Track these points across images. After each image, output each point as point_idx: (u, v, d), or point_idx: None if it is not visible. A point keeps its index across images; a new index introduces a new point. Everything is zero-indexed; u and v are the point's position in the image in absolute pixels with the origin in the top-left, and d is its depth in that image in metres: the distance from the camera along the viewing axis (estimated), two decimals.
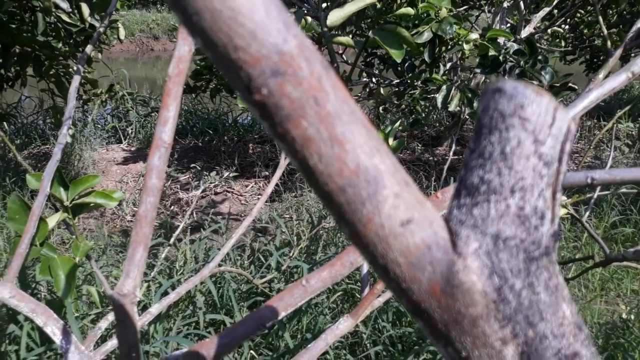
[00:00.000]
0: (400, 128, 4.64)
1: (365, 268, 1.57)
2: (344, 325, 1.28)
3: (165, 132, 0.65)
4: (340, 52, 4.31)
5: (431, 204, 0.29)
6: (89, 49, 1.73)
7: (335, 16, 1.46)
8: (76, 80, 1.65)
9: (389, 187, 0.27)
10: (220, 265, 1.88)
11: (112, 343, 1.23)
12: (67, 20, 3.22)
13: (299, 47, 0.25)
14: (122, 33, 3.97)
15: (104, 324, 1.35)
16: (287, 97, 0.25)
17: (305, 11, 2.02)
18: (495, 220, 0.27)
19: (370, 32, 1.47)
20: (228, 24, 0.25)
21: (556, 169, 0.28)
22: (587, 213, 1.35)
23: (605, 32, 1.17)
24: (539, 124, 0.27)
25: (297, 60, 0.25)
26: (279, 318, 0.59)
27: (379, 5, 2.56)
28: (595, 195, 1.36)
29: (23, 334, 1.61)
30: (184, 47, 0.64)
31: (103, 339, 1.70)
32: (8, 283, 1.14)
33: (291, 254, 2.07)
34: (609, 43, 1.21)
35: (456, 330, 0.26)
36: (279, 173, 1.63)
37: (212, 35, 0.25)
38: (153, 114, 5.97)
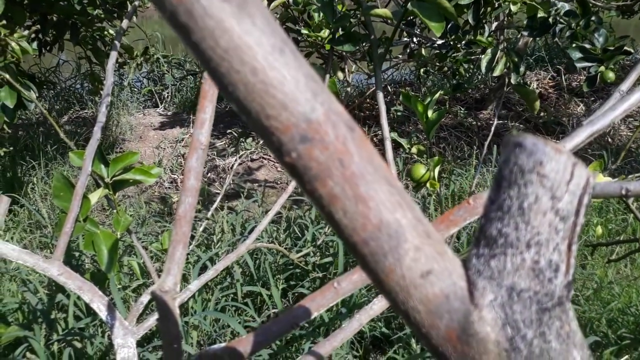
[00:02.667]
0: (441, 92, 4.57)
1: None
2: (378, 305, 1.32)
3: (202, 134, 0.68)
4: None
5: (452, 254, 0.31)
6: (125, 23, 1.77)
7: None
8: (113, 56, 1.70)
9: (410, 240, 0.29)
10: (256, 240, 1.94)
11: (153, 319, 1.31)
12: None
13: (326, 114, 0.28)
14: None
15: (145, 298, 1.44)
16: (314, 160, 0.28)
17: None
18: (511, 273, 0.29)
19: (409, 3, 1.46)
20: (260, 95, 0.27)
21: (572, 222, 0.30)
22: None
23: None
24: (557, 181, 0.29)
25: (323, 127, 0.28)
26: (311, 317, 0.63)
27: None
28: None
29: (70, 303, 1.72)
30: None
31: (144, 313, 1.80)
32: (56, 261, 1.23)
33: (327, 228, 2.12)
34: None
35: None
36: None
37: (246, 105, 0.28)
38: (188, 77, 6.05)
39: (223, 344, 0.64)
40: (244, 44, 0.27)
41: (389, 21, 4.39)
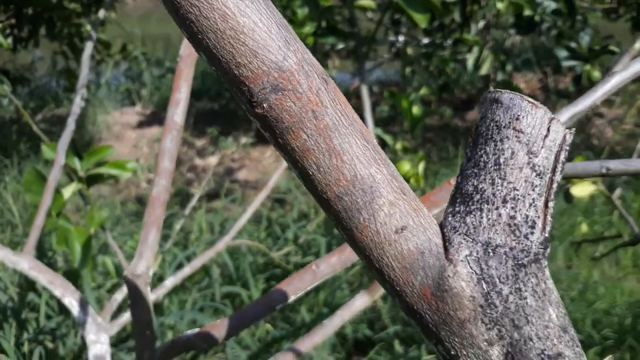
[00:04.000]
0: (427, 92, 4.59)
1: None
2: (360, 301, 1.32)
3: (177, 114, 0.68)
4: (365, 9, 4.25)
5: (427, 211, 0.31)
6: (102, 13, 1.76)
7: None
8: (89, 46, 1.68)
9: (384, 195, 0.29)
10: (236, 239, 1.93)
11: (128, 315, 1.30)
12: None
13: (299, 63, 0.28)
14: None
15: (119, 296, 1.42)
16: (286, 111, 0.28)
17: None
18: (487, 229, 0.29)
19: None
20: (231, 42, 0.27)
21: (549, 179, 0.30)
22: (619, 189, 1.35)
23: None
24: (533, 136, 0.29)
25: (296, 76, 0.28)
26: (289, 301, 0.63)
27: None
28: None
29: (42, 302, 1.70)
30: None
31: (119, 311, 1.78)
32: (27, 255, 1.21)
33: (309, 227, 2.12)
34: None
35: (445, 331, 0.29)
36: None
37: (216, 53, 0.27)
38: (168, 75, 6.01)
39: (197, 329, 0.64)
40: None
41: (374, 19, 4.40)
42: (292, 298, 0.63)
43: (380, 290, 1.43)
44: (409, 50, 4.42)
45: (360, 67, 1.69)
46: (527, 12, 2.81)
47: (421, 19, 1.44)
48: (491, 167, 0.30)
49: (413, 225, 0.30)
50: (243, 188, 3.67)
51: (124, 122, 5.17)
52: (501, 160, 0.29)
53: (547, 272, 0.31)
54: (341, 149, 0.29)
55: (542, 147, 0.29)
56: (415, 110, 2.04)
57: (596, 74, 2.61)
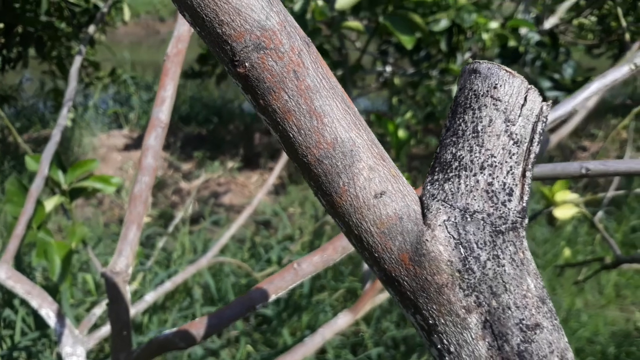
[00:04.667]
0: (413, 121, 4.64)
1: None
2: (343, 320, 1.30)
3: (162, 111, 0.68)
4: (354, 39, 4.32)
5: (406, 181, 0.31)
6: (92, 28, 1.76)
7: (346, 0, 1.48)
8: (78, 60, 1.68)
9: (364, 160, 0.29)
10: (218, 257, 1.91)
11: (106, 329, 1.27)
12: (71, 0, 3.26)
13: (281, 23, 0.28)
14: (126, 14, 4.01)
15: (98, 310, 1.39)
16: (268, 71, 0.28)
17: None
18: (465, 195, 0.29)
19: (381, 17, 1.50)
20: (214, 0, 0.27)
21: (527, 148, 0.30)
22: (601, 212, 1.36)
23: (624, 24, 1.19)
24: (511, 104, 0.30)
25: (278, 36, 0.28)
26: (269, 301, 0.62)
27: None
28: (609, 194, 1.38)
29: (18, 319, 1.66)
30: (184, 26, 0.67)
31: (97, 327, 1.74)
32: (4, 264, 1.18)
33: (293, 248, 2.10)
34: (627, 35, 1.22)
35: (423, 298, 0.29)
36: (282, 162, 1.66)
37: (200, 11, 0.28)
38: None
39: (175, 328, 0.63)
40: None
41: (360, 47, 4.45)
42: (272, 297, 0.62)
43: (364, 309, 1.42)
44: (396, 80, 4.49)
45: (346, 83, 1.71)
46: (512, 43, 2.88)
47: (407, 41, 1.47)
48: (469, 134, 0.30)
49: (392, 191, 0.30)
50: (228, 212, 3.65)
51: (110, 144, 5.15)
52: (479, 128, 0.30)
53: (525, 243, 0.31)
54: (322, 111, 0.29)
55: (519, 116, 0.30)
56: (401, 133, 2.06)
57: None
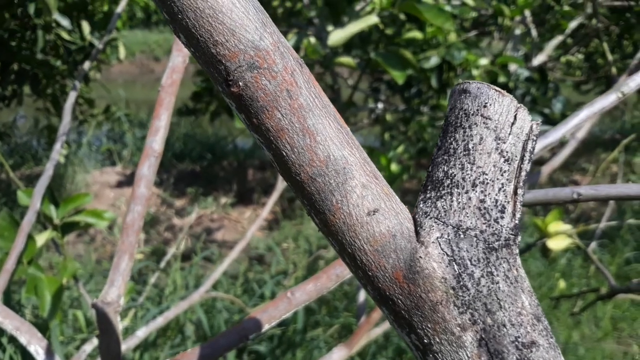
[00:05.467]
0: (405, 156, 4.67)
1: (362, 297, 1.58)
2: (338, 355, 1.29)
3: (156, 141, 0.68)
4: (346, 77, 4.39)
5: (398, 199, 0.31)
6: (86, 65, 1.78)
7: (338, 36, 1.51)
8: (72, 95, 1.70)
9: (357, 177, 0.30)
10: (211, 292, 1.89)
11: None
12: (67, 38, 3.31)
13: (275, 44, 0.29)
14: (122, 52, 4.06)
15: (88, 347, 1.36)
16: (262, 90, 0.29)
17: (309, 32, 2.08)
18: (457, 212, 0.30)
19: (373, 53, 1.52)
20: (209, 20, 0.28)
21: (518, 166, 0.31)
22: (594, 244, 1.36)
23: (610, 58, 1.21)
24: (501, 122, 0.30)
25: (272, 56, 0.29)
26: (263, 331, 0.61)
27: (384, 29, 2.63)
28: (602, 225, 1.39)
29: (6, 357, 1.62)
30: (178, 58, 0.68)
31: None
32: None
33: (286, 282, 2.08)
34: (614, 71, 1.25)
35: (418, 317, 0.29)
36: (275, 196, 1.66)
37: (195, 32, 0.28)
38: None
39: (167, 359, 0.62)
40: None
41: (352, 84, 4.52)
42: (265, 327, 0.61)
43: (359, 343, 1.40)
44: (388, 116, 4.54)
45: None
46: (502, 79, 2.93)
47: (399, 76, 1.49)
48: (460, 152, 0.30)
49: (385, 209, 0.30)
50: (221, 248, 3.63)
51: (103, 181, 5.14)
52: (470, 146, 0.30)
53: (519, 260, 0.31)
54: (315, 129, 0.29)
55: (509, 134, 0.30)
56: (394, 167, 2.07)
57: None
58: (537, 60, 4.27)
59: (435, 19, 1.43)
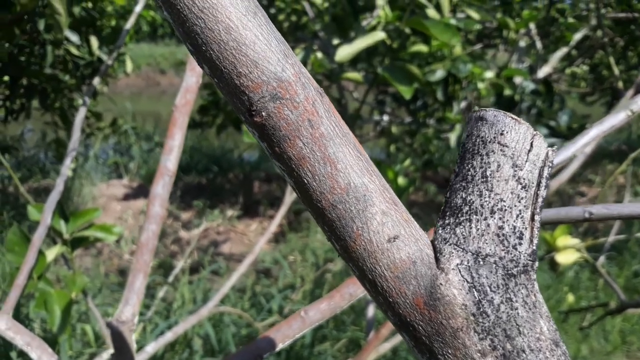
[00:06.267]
0: (412, 168, 4.67)
1: (371, 311, 1.58)
2: None
3: (170, 160, 0.69)
4: (352, 90, 4.41)
5: (418, 225, 0.32)
6: (96, 81, 1.80)
7: (345, 52, 1.53)
8: (82, 111, 1.71)
9: (377, 204, 0.30)
10: (219, 307, 1.89)
11: None
12: (76, 53, 3.34)
13: (296, 75, 0.29)
14: (129, 66, 4.10)
15: None
16: (284, 120, 0.29)
17: (316, 47, 2.10)
18: (476, 239, 0.30)
19: (379, 68, 1.53)
20: (233, 53, 0.29)
21: (534, 192, 0.31)
22: (602, 257, 1.36)
23: (617, 72, 1.22)
24: (517, 149, 0.31)
25: (294, 86, 0.29)
26: (276, 350, 0.61)
27: (390, 43, 2.65)
28: (610, 239, 1.38)
29: None
30: (192, 78, 0.69)
31: None
32: (5, 315, 1.17)
33: (294, 297, 2.08)
34: (620, 83, 1.26)
35: (438, 343, 0.29)
36: (283, 210, 1.67)
37: (219, 63, 0.29)
38: (157, 149, 6.08)
39: None
40: (219, 4, 0.28)
41: (361, 99, 4.53)
42: (279, 346, 0.61)
43: (369, 359, 1.39)
44: (394, 129, 4.55)
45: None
46: (507, 91, 2.93)
47: (406, 91, 1.50)
48: (478, 179, 0.31)
49: (405, 235, 0.30)
50: (227, 261, 3.63)
51: (110, 194, 5.16)
52: (488, 173, 0.31)
53: (537, 286, 0.31)
54: (336, 158, 0.30)
55: (526, 161, 0.31)
56: (401, 180, 2.08)
57: None
58: (542, 72, 4.28)
59: (441, 34, 1.44)
